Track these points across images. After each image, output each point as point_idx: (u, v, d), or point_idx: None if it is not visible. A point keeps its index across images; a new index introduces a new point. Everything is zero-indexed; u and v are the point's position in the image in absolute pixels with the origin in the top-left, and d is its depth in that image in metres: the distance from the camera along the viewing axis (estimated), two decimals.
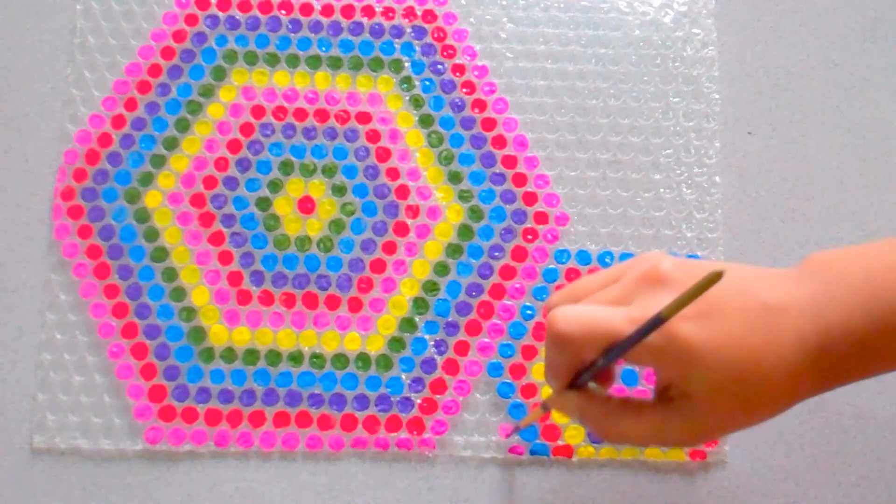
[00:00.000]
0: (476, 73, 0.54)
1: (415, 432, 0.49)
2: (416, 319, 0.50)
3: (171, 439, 0.48)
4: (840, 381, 0.36)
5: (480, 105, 0.53)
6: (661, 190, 0.53)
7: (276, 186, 0.52)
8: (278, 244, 0.51)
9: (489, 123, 0.53)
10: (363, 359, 0.50)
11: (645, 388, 0.50)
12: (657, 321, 0.31)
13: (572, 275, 0.51)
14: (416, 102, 0.53)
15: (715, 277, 0.29)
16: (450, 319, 0.51)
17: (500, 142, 0.53)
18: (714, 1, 0.55)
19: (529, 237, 0.52)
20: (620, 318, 0.34)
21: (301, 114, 0.53)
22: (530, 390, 0.50)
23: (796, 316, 0.34)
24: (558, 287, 0.51)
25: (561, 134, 0.53)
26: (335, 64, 0.54)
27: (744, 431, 0.49)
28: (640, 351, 0.33)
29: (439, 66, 0.54)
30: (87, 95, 0.53)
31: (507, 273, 0.51)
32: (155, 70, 0.53)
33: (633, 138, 0.53)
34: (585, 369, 0.36)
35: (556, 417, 0.49)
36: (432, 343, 0.50)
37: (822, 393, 0.36)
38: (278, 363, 0.50)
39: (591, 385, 0.38)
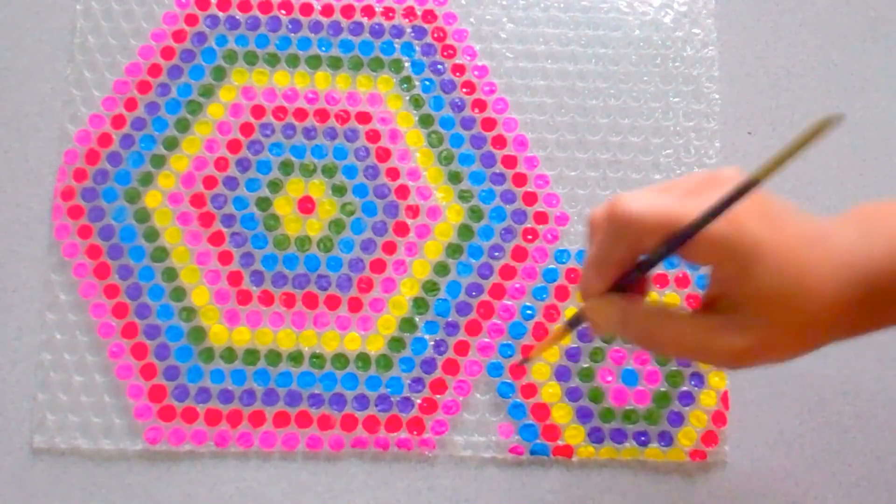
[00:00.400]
0: (476, 73, 0.54)
1: (415, 432, 0.49)
2: (416, 319, 0.50)
3: (171, 439, 0.48)
4: (886, 322, 0.35)
5: (480, 105, 0.53)
6: None
7: (276, 186, 0.52)
8: (278, 244, 0.51)
9: (489, 123, 0.53)
10: (363, 359, 0.50)
11: (644, 388, 0.50)
12: (750, 184, 0.30)
13: (572, 275, 0.51)
14: (416, 102, 0.53)
15: (830, 122, 0.26)
16: (450, 319, 0.51)
17: (500, 142, 0.53)
18: (714, 1, 0.55)
19: (529, 237, 0.52)
20: (689, 204, 0.32)
21: (301, 114, 0.53)
22: (530, 390, 0.50)
23: (847, 245, 0.34)
24: (558, 287, 0.51)
25: (561, 134, 0.53)
26: (335, 64, 0.54)
27: (744, 431, 0.49)
28: (703, 244, 0.32)
29: (439, 66, 0.54)
30: (87, 95, 0.53)
31: (507, 273, 0.51)
32: (155, 70, 0.53)
33: (633, 138, 0.53)
34: (636, 267, 0.35)
35: (557, 417, 0.49)
36: (432, 343, 0.50)
37: (865, 332, 0.35)
38: (278, 363, 0.50)
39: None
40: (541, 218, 0.52)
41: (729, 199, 0.31)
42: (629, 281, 0.36)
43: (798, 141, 0.26)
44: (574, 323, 0.40)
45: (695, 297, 0.51)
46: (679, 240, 0.32)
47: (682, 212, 0.32)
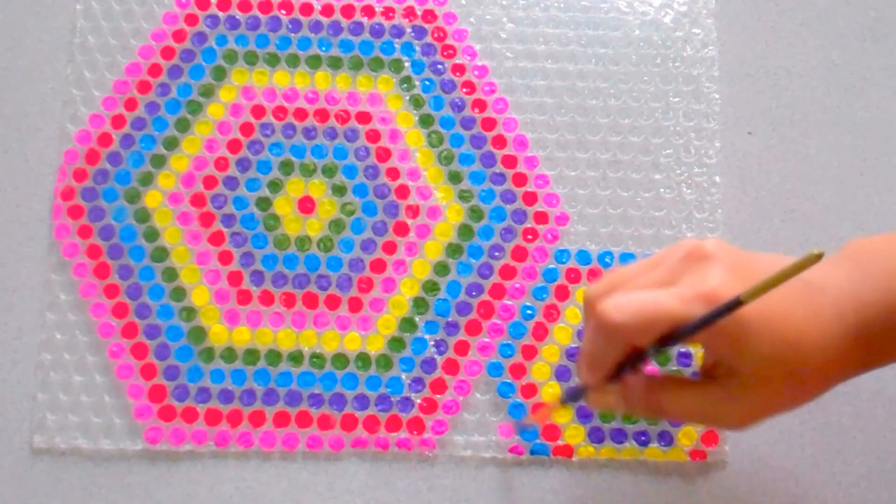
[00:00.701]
0: (476, 73, 0.54)
1: (415, 432, 0.49)
2: (416, 319, 0.50)
3: (171, 439, 0.48)
4: (882, 360, 0.36)
5: (480, 105, 0.53)
6: (661, 190, 0.53)
7: (276, 186, 0.52)
8: (278, 244, 0.51)
9: (489, 123, 0.53)
10: (363, 359, 0.50)
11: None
12: (734, 304, 0.31)
13: (572, 275, 0.51)
14: (416, 102, 0.53)
15: (814, 259, 0.28)
16: (450, 319, 0.51)
17: (500, 142, 0.53)
18: (714, 1, 0.55)
19: (529, 237, 0.52)
20: (672, 300, 0.33)
21: (301, 114, 0.53)
22: (530, 390, 0.50)
23: (835, 294, 0.35)
24: (558, 287, 0.51)
25: (561, 134, 0.53)
26: (335, 64, 0.54)
27: (744, 431, 0.49)
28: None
29: (439, 66, 0.54)
30: (87, 95, 0.53)
31: (507, 273, 0.51)
32: (155, 70, 0.53)
33: (633, 138, 0.53)
34: (631, 358, 0.36)
35: (557, 417, 0.49)
36: (432, 343, 0.50)
37: (864, 372, 0.36)
38: (278, 363, 0.50)
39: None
40: (541, 218, 0.52)
41: (717, 313, 0.32)
42: (630, 370, 0.37)
43: (788, 270, 0.29)
44: (571, 398, 0.41)
45: None
46: (668, 344, 0.34)
47: (668, 311, 0.33)
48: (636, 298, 0.34)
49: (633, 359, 0.36)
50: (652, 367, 0.50)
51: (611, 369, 0.36)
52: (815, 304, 0.34)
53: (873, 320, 0.34)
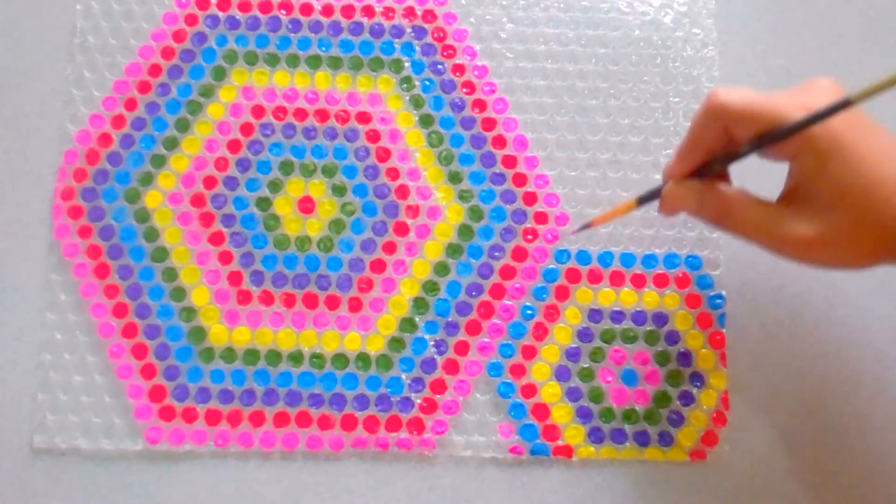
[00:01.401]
0: (476, 73, 0.54)
1: (415, 432, 0.49)
2: (416, 319, 0.50)
3: (171, 439, 0.48)
4: None
5: (480, 105, 0.53)
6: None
7: (276, 186, 0.52)
8: (278, 244, 0.51)
9: (489, 123, 0.53)
10: (363, 359, 0.50)
11: (644, 388, 0.50)
12: (842, 104, 0.32)
13: (572, 274, 0.51)
14: (416, 102, 0.53)
15: None
16: (450, 319, 0.51)
17: (500, 142, 0.53)
18: (714, 1, 0.55)
19: (529, 237, 0.52)
20: (790, 103, 0.35)
21: (301, 114, 0.53)
22: (530, 390, 0.50)
23: None
24: (558, 287, 0.51)
25: (561, 134, 0.53)
26: (335, 64, 0.54)
27: (744, 431, 0.49)
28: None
29: (439, 66, 0.54)
30: (87, 95, 0.53)
31: (507, 273, 0.51)
32: (155, 70, 0.53)
33: (633, 138, 0.53)
34: (723, 157, 0.37)
35: (557, 417, 0.49)
36: (432, 343, 0.50)
37: None
38: (278, 363, 0.50)
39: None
40: (541, 218, 0.52)
41: (826, 112, 0.33)
42: (713, 171, 0.38)
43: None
44: (646, 198, 0.42)
45: (695, 296, 0.51)
46: (770, 139, 0.35)
47: (774, 108, 0.35)
48: (747, 90, 0.36)
49: (725, 158, 0.37)
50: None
51: (702, 158, 0.38)
52: None
53: None
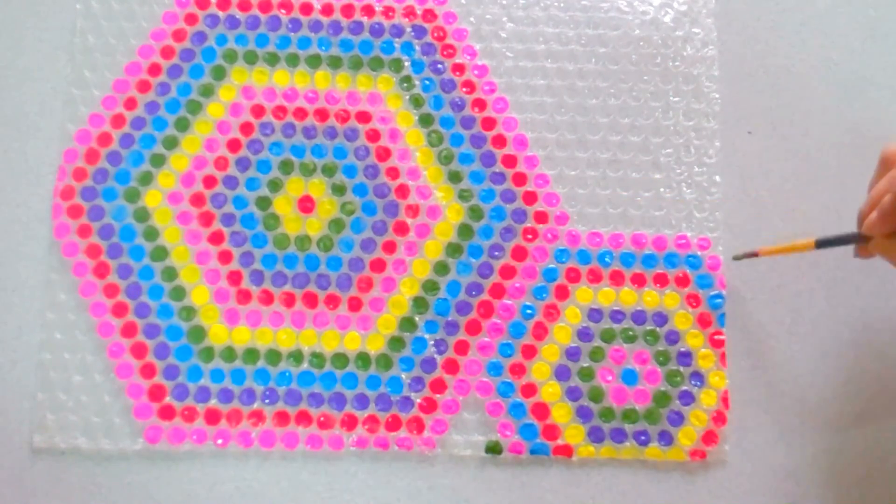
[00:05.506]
0: (476, 72, 0.54)
1: (415, 432, 0.49)
2: (416, 319, 0.50)
3: (170, 438, 0.48)
4: None
5: (480, 104, 0.53)
6: (661, 190, 0.53)
7: (275, 186, 0.52)
8: (278, 244, 0.51)
9: (489, 123, 0.53)
10: (363, 358, 0.50)
11: (644, 388, 0.50)
12: None
13: (572, 274, 0.51)
14: (416, 102, 0.53)
15: None
16: (450, 319, 0.51)
17: (499, 141, 0.53)
18: (714, 1, 0.55)
19: (529, 237, 0.52)
20: None
21: (301, 113, 0.53)
22: (530, 389, 0.50)
23: None
24: (558, 287, 0.51)
25: (561, 133, 0.53)
26: (335, 63, 0.54)
27: (744, 431, 0.49)
28: None
29: (439, 66, 0.54)
30: (87, 95, 0.53)
31: (507, 272, 0.51)
32: (155, 69, 0.53)
33: (633, 138, 0.53)
34: None
35: (557, 417, 0.49)
36: (432, 342, 0.50)
37: None
38: (278, 363, 0.50)
39: None
40: (541, 217, 0.52)
41: None
42: None
43: None
44: (829, 244, 0.44)
45: (695, 296, 0.51)
46: None
47: None
48: None
49: None
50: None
51: None
52: None
53: None
